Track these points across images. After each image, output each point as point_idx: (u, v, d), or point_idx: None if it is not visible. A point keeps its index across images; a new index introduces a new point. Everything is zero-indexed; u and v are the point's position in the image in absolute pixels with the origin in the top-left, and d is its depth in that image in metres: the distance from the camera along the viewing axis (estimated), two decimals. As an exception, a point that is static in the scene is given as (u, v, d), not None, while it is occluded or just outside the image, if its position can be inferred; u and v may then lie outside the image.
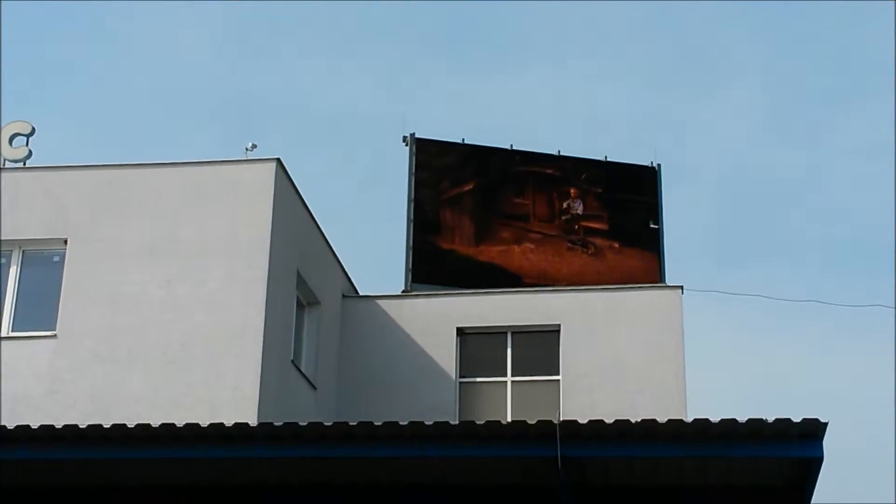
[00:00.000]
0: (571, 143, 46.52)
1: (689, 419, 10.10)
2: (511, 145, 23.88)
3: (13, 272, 18.31)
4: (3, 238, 18.27)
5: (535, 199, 23.55)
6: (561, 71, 47.36)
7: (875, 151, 45.42)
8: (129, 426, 10.38)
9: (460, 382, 20.90)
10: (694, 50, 48.47)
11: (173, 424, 10.33)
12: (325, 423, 10.29)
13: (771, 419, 9.83)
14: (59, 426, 10.48)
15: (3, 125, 19.41)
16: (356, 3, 45.05)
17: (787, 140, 47.69)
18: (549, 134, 43.29)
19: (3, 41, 43.92)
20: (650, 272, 22.85)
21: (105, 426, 10.39)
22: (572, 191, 23.46)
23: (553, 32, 46.87)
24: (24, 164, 19.12)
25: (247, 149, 18.92)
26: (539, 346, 21.00)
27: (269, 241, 17.91)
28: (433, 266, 22.60)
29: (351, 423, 10.21)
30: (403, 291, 22.10)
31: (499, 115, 43.78)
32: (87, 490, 11.06)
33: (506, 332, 21.13)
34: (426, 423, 10.18)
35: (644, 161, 24.05)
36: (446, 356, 20.93)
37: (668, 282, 22.34)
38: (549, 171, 23.64)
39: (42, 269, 18.33)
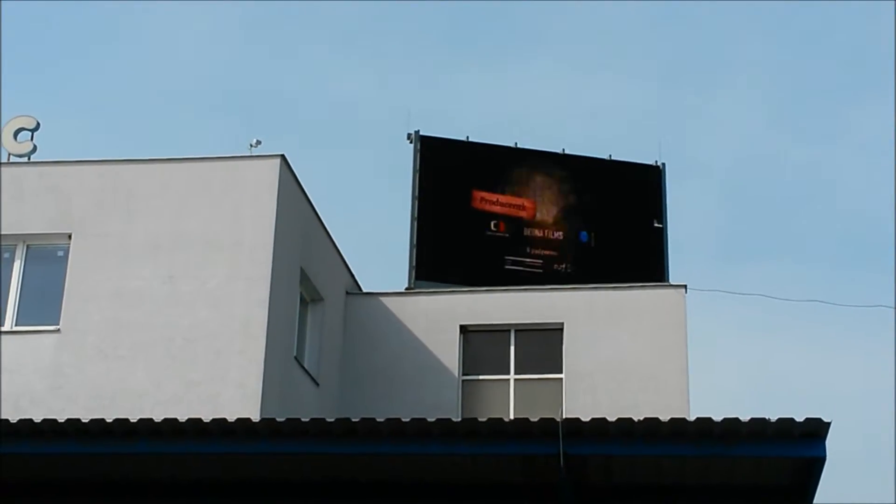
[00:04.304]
0: (575, 138, 46.50)
1: (692, 418, 10.09)
2: (516, 143, 23.86)
3: (17, 267, 18.33)
4: (7, 233, 18.29)
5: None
6: (565, 66, 47.37)
7: (881, 148, 45.39)
8: (132, 421, 10.38)
9: (463, 380, 20.89)
10: (699, 45, 48.46)
11: (176, 419, 10.33)
12: (328, 419, 10.29)
13: (773, 418, 9.81)
14: (62, 420, 10.48)
15: (8, 120, 19.44)
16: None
17: (791, 137, 47.68)
18: (553, 129, 43.24)
19: (9, 35, 43.94)
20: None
21: (107, 420, 10.39)
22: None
23: (557, 27, 46.88)
24: (29, 158, 19.14)
25: (251, 145, 18.96)
26: (542, 345, 20.99)
27: (272, 237, 17.92)
28: (438, 263, 22.59)
29: (353, 420, 10.21)
30: (407, 289, 22.09)
31: (503, 109, 43.78)
32: (89, 485, 11.06)
33: (509, 330, 21.13)
34: (429, 419, 10.18)
35: (648, 158, 24.04)
36: (449, 354, 20.93)
37: (672, 280, 22.34)
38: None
39: (46, 263, 18.36)
